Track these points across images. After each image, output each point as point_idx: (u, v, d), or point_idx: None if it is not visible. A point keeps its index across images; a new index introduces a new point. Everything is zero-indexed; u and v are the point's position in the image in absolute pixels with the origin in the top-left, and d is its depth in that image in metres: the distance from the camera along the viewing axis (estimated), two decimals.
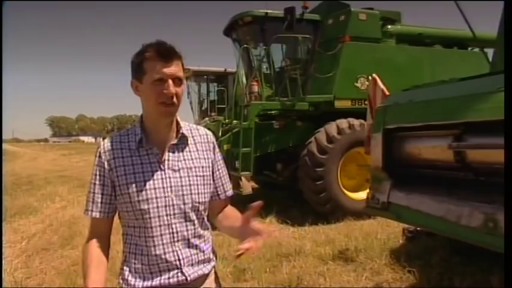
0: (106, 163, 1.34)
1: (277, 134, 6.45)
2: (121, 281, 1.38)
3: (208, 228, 1.48)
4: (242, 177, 5.88)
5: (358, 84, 6.37)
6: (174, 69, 1.28)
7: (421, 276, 3.56)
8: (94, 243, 1.34)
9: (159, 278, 1.34)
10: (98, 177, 1.35)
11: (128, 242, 1.38)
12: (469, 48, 7.83)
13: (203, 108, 12.15)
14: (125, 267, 1.38)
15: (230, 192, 1.57)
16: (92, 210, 1.33)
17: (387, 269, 3.83)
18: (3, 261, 3.97)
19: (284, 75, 6.69)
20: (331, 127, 5.91)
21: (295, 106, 6.32)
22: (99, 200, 1.34)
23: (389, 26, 7.12)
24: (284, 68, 6.95)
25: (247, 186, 5.99)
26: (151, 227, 1.32)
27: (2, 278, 3.75)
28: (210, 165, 1.46)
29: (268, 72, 7.12)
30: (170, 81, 1.27)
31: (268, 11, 6.70)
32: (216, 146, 1.52)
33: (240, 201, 6.32)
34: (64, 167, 19.67)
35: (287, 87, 6.45)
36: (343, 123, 5.96)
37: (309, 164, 5.78)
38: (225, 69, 11.26)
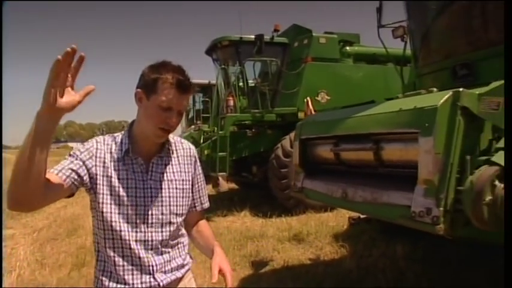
0: (97, 159, 1.35)
1: (250, 141, 7.57)
2: (95, 280, 1.41)
3: (184, 235, 1.53)
4: (219, 177, 6.98)
5: (319, 98, 7.47)
6: (183, 103, 1.33)
7: (350, 248, 4.69)
8: None
9: (131, 282, 1.36)
10: (81, 154, 1.33)
11: (100, 243, 1.39)
12: None
13: (190, 116, 13.22)
14: (98, 267, 1.40)
15: (206, 205, 1.62)
16: (55, 169, 1.27)
17: (328, 246, 4.95)
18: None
19: (256, 91, 7.78)
20: None
21: (265, 117, 7.42)
22: (66, 167, 1.28)
23: (347, 48, 8.28)
24: (256, 84, 8.03)
25: (224, 185, 7.10)
26: (127, 232, 1.34)
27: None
28: (190, 178, 1.51)
29: (243, 87, 8.21)
30: (176, 113, 1.32)
31: (243, 36, 7.84)
32: (198, 160, 1.57)
33: (218, 197, 7.60)
34: None
35: (258, 100, 7.55)
36: None
37: (276, 165, 6.89)
38: (209, 82, 12.12)
